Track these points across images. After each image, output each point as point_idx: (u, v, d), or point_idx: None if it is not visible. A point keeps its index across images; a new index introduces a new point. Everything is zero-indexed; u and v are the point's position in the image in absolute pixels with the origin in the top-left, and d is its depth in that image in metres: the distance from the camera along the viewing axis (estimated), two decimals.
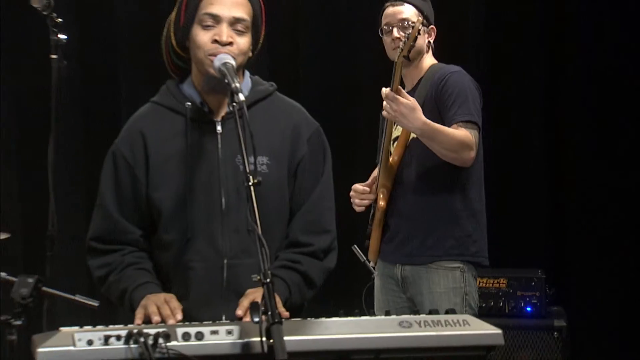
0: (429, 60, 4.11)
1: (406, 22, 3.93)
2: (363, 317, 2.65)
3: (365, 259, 4.74)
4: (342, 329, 2.53)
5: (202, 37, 2.75)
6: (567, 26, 6.87)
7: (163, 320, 2.55)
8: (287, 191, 2.90)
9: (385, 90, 3.79)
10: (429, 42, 4.09)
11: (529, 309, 4.95)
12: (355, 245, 4.81)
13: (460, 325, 2.55)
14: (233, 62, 2.64)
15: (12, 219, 5.94)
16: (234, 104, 2.48)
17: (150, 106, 2.99)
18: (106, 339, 2.29)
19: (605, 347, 6.43)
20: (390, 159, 4.12)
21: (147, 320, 2.60)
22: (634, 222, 7.23)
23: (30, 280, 2.58)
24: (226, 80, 2.54)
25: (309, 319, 2.70)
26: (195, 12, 2.82)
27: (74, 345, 2.29)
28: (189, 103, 2.87)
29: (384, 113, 3.89)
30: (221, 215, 2.84)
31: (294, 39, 7.20)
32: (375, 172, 4.33)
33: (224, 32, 2.71)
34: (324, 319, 2.62)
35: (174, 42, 2.93)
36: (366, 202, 4.29)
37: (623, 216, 7.36)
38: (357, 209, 4.35)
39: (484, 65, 6.77)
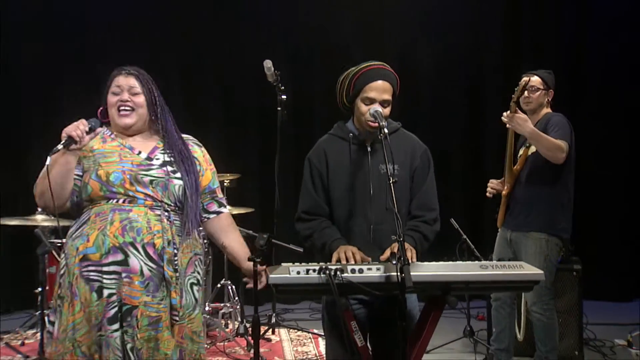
0: (545, 110, 5.01)
1: (531, 87, 4.92)
2: (457, 262, 3.35)
3: (458, 227, 5.64)
4: (445, 269, 3.19)
5: (364, 109, 3.45)
6: None
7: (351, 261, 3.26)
8: (409, 186, 3.54)
9: (505, 113, 4.75)
10: (547, 101, 5.02)
11: (558, 258, 5.27)
12: (452, 219, 5.65)
13: (518, 268, 3.21)
14: (381, 110, 3.39)
15: (254, 198, 7.04)
16: (381, 135, 3.22)
17: (329, 136, 3.65)
18: (307, 271, 3.08)
19: (604, 282, 7.44)
20: (515, 167, 5.00)
21: (337, 262, 3.25)
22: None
23: (265, 235, 3.27)
24: (381, 123, 3.29)
25: (425, 262, 3.23)
26: (360, 92, 3.48)
27: (289, 273, 3.09)
28: (351, 134, 3.56)
29: (506, 122, 4.78)
30: (370, 200, 3.47)
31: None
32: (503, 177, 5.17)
33: (378, 108, 3.43)
34: (434, 263, 3.22)
35: (345, 99, 3.58)
36: (494, 191, 5.20)
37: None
38: (488, 194, 5.27)
39: None
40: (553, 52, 7.99)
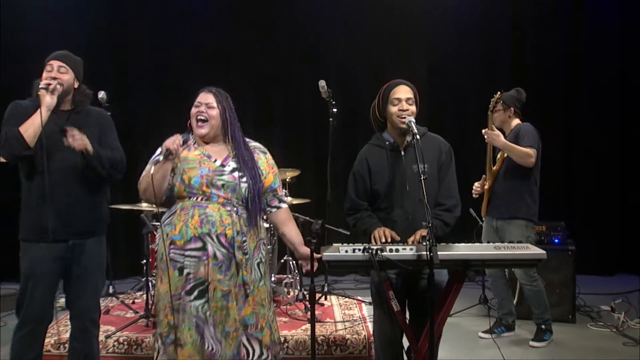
0: (515, 122, 5.06)
1: (499, 105, 4.99)
2: (476, 244, 3.34)
3: (476, 215, 5.59)
4: (465, 249, 3.18)
5: (393, 109, 3.44)
6: None
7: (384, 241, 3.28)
8: (437, 179, 3.48)
9: (484, 130, 4.86)
10: (508, 116, 5.07)
11: (556, 240, 5.66)
12: (471, 208, 5.62)
13: (525, 249, 3.19)
14: (413, 119, 3.35)
15: (311, 191, 6.89)
16: (414, 139, 3.21)
17: (369, 145, 3.62)
18: (353, 250, 3.09)
19: (593, 260, 7.30)
20: (494, 167, 5.05)
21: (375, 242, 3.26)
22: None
23: (319, 221, 3.25)
24: (410, 127, 3.29)
25: (449, 243, 3.23)
26: (388, 97, 3.47)
27: (339, 252, 3.10)
28: (387, 142, 3.52)
29: (486, 138, 4.89)
30: (405, 195, 3.42)
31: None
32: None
33: (405, 106, 3.43)
34: (457, 244, 3.22)
35: (378, 115, 3.58)
36: (480, 191, 5.21)
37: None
38: (475, 195, 5.28)
39: None
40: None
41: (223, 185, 3.28)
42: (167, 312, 3.29)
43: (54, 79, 3.45)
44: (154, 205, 3.30)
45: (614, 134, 7.72)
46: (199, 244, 3.24)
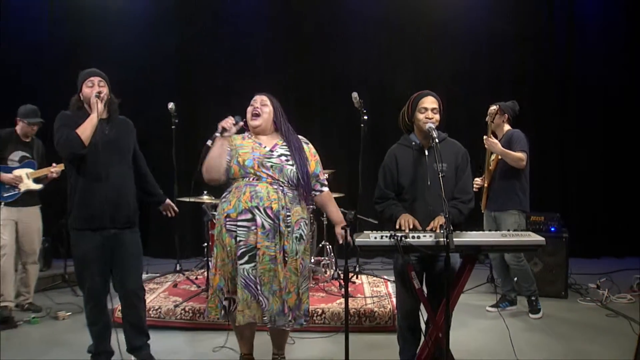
0: (506, 127, 4.99)
1: (494, 114, 4.94)
2: (485, 232, 3.35)
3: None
4: (477, 236, 3.15)
5: (420, 116, 3.35)
6: None
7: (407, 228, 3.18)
8: (453, 178, 3.39)
9: (485, 137, 4.82)
10: (502, 121, 5.00)
11: (553, 229, 5.57)
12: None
13: (527, 236, 3.14)
14: (433, 126, 3.31)
15: (344, 186, 6.52)
16: (434, 142, 3.18)
17: (398, 145, 3.50)
18: (381, 236, 3.05)
19: (583, 245, 7.20)
20: (490, 167, 5.00)
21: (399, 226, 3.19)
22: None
23: (352, 212, 3.15)
24: (431, 133, 3.25)
25: (463, 231, 3.20)
26: (416, 105, 3.38)
27: (369, 238, 3.07)
28: (414, 143, 3.43)
29: (486, 145, 4.86)
30: (427, 189, 3.34)
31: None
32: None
33: (430, 114, 3.34)
34: (469, 232, 3.20)
35: (407, 119, 3.48)
36: (478, 186, 5.12)
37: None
38: (475, 189, 5.01)
39: None
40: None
41: (272, 166, 3.33)
42: (225, 275, 3.37)
43: (99, 92, 3.51)
44: (218, 181, 3.39)
45: (598, 141, 7.78)
46: (249, 216, 3.29)
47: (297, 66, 7.56)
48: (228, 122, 3.35)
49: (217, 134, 3.33)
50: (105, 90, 3.54)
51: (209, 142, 3.34)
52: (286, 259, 3.34)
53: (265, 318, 3.31)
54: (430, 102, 3.39)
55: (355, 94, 5.60)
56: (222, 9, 7.59)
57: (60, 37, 7.41)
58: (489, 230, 3.46)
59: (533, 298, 5.02)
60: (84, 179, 3.44)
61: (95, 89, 3.49)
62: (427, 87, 3.54)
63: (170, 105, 6.00)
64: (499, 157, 4.92)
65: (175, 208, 4.07)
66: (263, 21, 7.59)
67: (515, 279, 5.11)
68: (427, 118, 3.35)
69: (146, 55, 7.45)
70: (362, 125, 5.68)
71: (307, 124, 7.31)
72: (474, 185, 5.07)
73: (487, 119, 4.99)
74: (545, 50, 7.62)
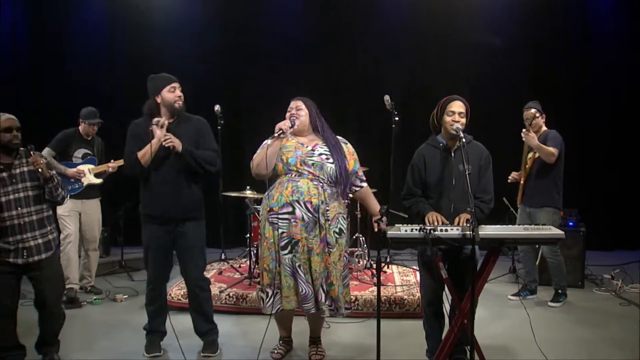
0: (544, 128, 4.92)
1: (532, 118, 4.86)
2: (509, 226, 3.34)
3: (508, 203, 5.63)
4: (500, 230, 3.15)
5: (448, 119, 3.33)
6: None
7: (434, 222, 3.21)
8: (476, 178, 3.36)
9: (524, 130, 4.81)
10: (543, 122, 4.93)
11: (571, 223, 5.63)
12: (504, 197, 5.58)
13: (547, 230, 3.16)
14: (460, 127, 3.26)
15: (377, 183, 6.23)
16: (462, 143, 3.17)
17: (426, 145, 3.48)
18: (411, 229, 3.07)
19: (599, 239, 7.13)
20: (527, 165, 4.98)
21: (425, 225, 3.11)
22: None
23: (385, 207, 3.16)
24: (458, 134, 3.22)
25: (487, 225, 3.16)
26: (445, 109, 3.37)
27: (400, 231, 3.09)
28: (441, 144, 3.42)
29: (523, 138, 4.84)
30: (452, 187, 3.34)
31: None
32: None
33: (457, 117, 3.32)
34: (493, 226, 3.18)
35: (435, 121, 3.46)
36: (514, 179, 5.13)
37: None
38: (510, 180, 5.17)
39: None
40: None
41: (313, 164, 3.39)
42: (269, 265, 3.43)
43: (179, 96, 3.65)
44: (264, 176, 3.44)
45: (611, 140, 7.69)
46: (290, 209, 3.35)
47: (334, 70, 7.61)
48: (285, 124, 3.42)
49: (275, 135, 3.41)
50: (180, 100, 3.66)
51: (268, 141, 3.42)
52: (329, 250, 3.40)
53: (306, 305, 3.38)
54: (457, 106, 3.40)
55: (387, 97, 5.66)
56: (262, 19, 7.67)
57: (120, 50, 7.71)
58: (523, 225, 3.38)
59: (560, 291, 5.06)
60: (149, 175, 3.57)
61: (176, 94, 3.61)
62: (454, 91, 3.60)
63: (217, 107, 6.14)
64: (536, 155, 4.92)
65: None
66: (301, 30, 7.68)
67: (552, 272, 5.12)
68: (453, 121, 3.36)
69: (194, 63, 7.59)
70: (393, 125, 5.74)
71: (342, 125, 7.35)
72: (510, 177, 5.19)
73: (525, 122, 4.97)
74: (560, 53, 7.62)
